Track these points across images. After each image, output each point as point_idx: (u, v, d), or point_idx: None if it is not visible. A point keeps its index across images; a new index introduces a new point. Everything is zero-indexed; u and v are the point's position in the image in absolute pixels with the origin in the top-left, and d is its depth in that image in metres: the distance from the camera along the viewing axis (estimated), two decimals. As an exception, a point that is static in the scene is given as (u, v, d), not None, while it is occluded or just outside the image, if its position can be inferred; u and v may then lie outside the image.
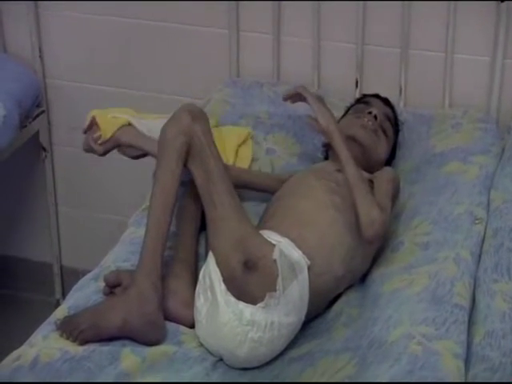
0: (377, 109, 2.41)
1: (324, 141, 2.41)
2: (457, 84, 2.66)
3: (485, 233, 2.17)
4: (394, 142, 2.48)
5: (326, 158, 2.43)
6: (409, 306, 1.90)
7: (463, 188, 2.28)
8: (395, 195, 2.24)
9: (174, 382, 1.83)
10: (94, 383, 1.79)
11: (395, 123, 2.48)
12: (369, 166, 2.31)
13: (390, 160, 2.46)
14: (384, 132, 2.40)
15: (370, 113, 2.39)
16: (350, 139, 2.31)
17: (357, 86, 2.72)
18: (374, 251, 2.16)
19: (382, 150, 2.39)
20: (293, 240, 2.00)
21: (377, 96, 2.53)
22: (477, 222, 2.17)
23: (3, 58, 3.05)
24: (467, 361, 1.80)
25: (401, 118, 2.61)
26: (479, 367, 1.78)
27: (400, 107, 2.69)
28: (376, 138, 2.37)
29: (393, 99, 2.67)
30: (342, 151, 2.17)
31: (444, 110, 2.67)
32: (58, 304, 3.23)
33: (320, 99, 2.31)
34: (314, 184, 2.20)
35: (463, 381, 1.74)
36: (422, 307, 1.88)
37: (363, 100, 2.50)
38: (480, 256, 2.10)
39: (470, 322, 1.91)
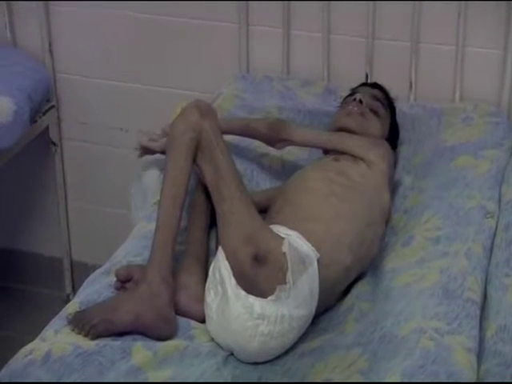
0: (361, 93, 2.45)
1: (340, 122, 2.44)
2: (468, 77, 2.65)
3: (496, 227, 2.16)
4: (393, 121, 2.49)
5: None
6: (420, 301, 1.89)
7: (474, 182, 2.27)
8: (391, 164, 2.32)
9: (180, 383, 1.82)
10: (94, 383, 1.79)
11: (388, 102, 2.49)
12: None
13: (392, 141, 2.46)
14: (374, 112, 2.43)
15: (354, 100, 2.42)
16: (341, 130, 2.38)
17: (367, 79, 2.71)
18: (380, 237, 2.18)
19: (374, 130, 2.41)
20: (301, 233, 2.01)
21: (363, 84, 2.57)
22: (488, 216, 2.17)
23: (13, 52, 3.04)
24: (479, 355, 1.80)
25: (411, 111, 2.61)
26: (491, 362, 1.77)
27: (410, 101, 2.69)
28: (364, 120, 2.40)
29: (403, 93, 2.68)
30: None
31: (455, 103, 2.66)
32: (67, 298, 3.24)
33: None
34: (314, 177, 2.22)
35: (476, 375, 1.73)
36: (433, 302, 1.88)
37: (350, 93, 2.53)
38: (491, 250, 2.09)
39: (482, 317, 1.90)
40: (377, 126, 2.42)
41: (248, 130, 2.39)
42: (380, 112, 2.44)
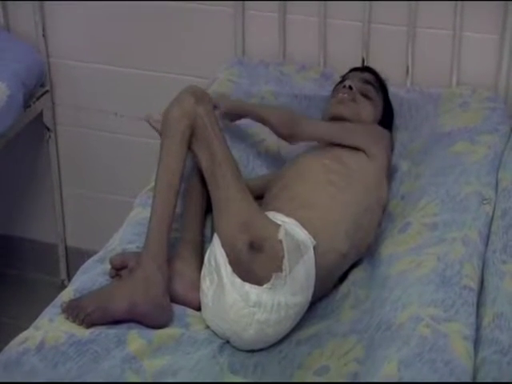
0: (351, 79, 2.44)
1: (332, 111, 2.42)
2: (465, 62, 2.63)
3: (493, 213, 2.15)
4: (386, 101, 2.48)
5: None
6: (417, 288, 1.88)
7: (471, 168, 2.26)
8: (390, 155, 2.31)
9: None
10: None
11: (379, 84, 2.49)
12: None
13: (387, 121, 2.45)
14: (365, 96, 2.42)
15: (344, 86, 2.42)
16: (334, 118, 2.38)
17: (363, 64, 2.69)
18: (376, 223, 2.17)
19: (366, 113, 2.40)
20: (297, 220, 2.00)
21: (353, 69, 2.55)
22: (485, 202, 2.16)
23: (7, 37, 3.02)
24: (476, 343, 1.79)
25: (408, 96, 2.59)
26: (488, 350, 1.76)
27: (407, 86, 2.67)
28: (355, 105, 2.39)
29: (400, 78, 2.67)
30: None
31: (452, 88, 2.64)
32: (62, 284, 3.23)
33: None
34: (310, 164, 2.21)
35: (472, 363, 1.72)
36: (430, 289, 1.87)
37: (340, 80, 2.52)
38: (488, 237, 2.08)
39: (479, 304, 1.89)
40: (369, 110, 2.41)
41: (261, 120, 2.35)
42: (371, 95, 2.43)
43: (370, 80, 2.47)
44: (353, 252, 2.10)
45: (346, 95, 2.40)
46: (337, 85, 2.51)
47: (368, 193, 2.17)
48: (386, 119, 2.46)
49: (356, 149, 2.25)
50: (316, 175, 2.16)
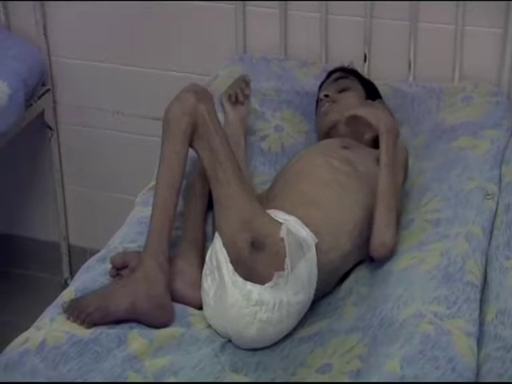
0: (324, 89, 2.48)
1: (324, 125, 2.44)
2: (467, 57, 2.62)
3: (496, 208, 2.13)
4: (361, 80, 2.50)
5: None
6: (420, 285, 1.87)
7: (474, 163, 2.25)
8: (406, 167, 2.27)
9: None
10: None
11: (348, 71, 2.51)
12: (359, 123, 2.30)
13: (371, 93, 2.46)
14: (343, 90, 2.45)
15: (321, 100, 2.46)
16: (330, 129, 2.40)
17: (365, 60, 2.69)
18: None
19: (351, 102, 2.39)
20: (299, 218, 1.98)
21: (321, 83, 2.56)
22: (488, 197, 2.14)
23: (7, 35, 3.01)
24: (480, 339, 1.78)
25: (410, 91, 2.58)
26: (492, 346, 1.76)
27: (409, 81, 2.66)
28: (338, 104, 2.40)
29: (402, 73, 2.66)
30: (384, 155, 2.16)
31: (454, 83, 2.62)
32: (65, 283, 3.23)
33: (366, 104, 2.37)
34: (316, 162, 2.19)
35: (476, 360, 1.71)
36: (433, 285, 1.86)
37: (316, 100, 2.54)
38: (492, 232, 2.07)
39: (482, 300, 1.88)
40: (352, 98, 2.42)
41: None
42: (347, 85, 2.46)
43: (339, 75, 2.50)
44: (356, 252, 2.08)
45: (326, 104, 2.42)
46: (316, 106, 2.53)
47: (374, 195, 2.14)
48: (370, 92, 2.47)
49: (366, 153, 2.24)
50: (321, 174, 2.14)
